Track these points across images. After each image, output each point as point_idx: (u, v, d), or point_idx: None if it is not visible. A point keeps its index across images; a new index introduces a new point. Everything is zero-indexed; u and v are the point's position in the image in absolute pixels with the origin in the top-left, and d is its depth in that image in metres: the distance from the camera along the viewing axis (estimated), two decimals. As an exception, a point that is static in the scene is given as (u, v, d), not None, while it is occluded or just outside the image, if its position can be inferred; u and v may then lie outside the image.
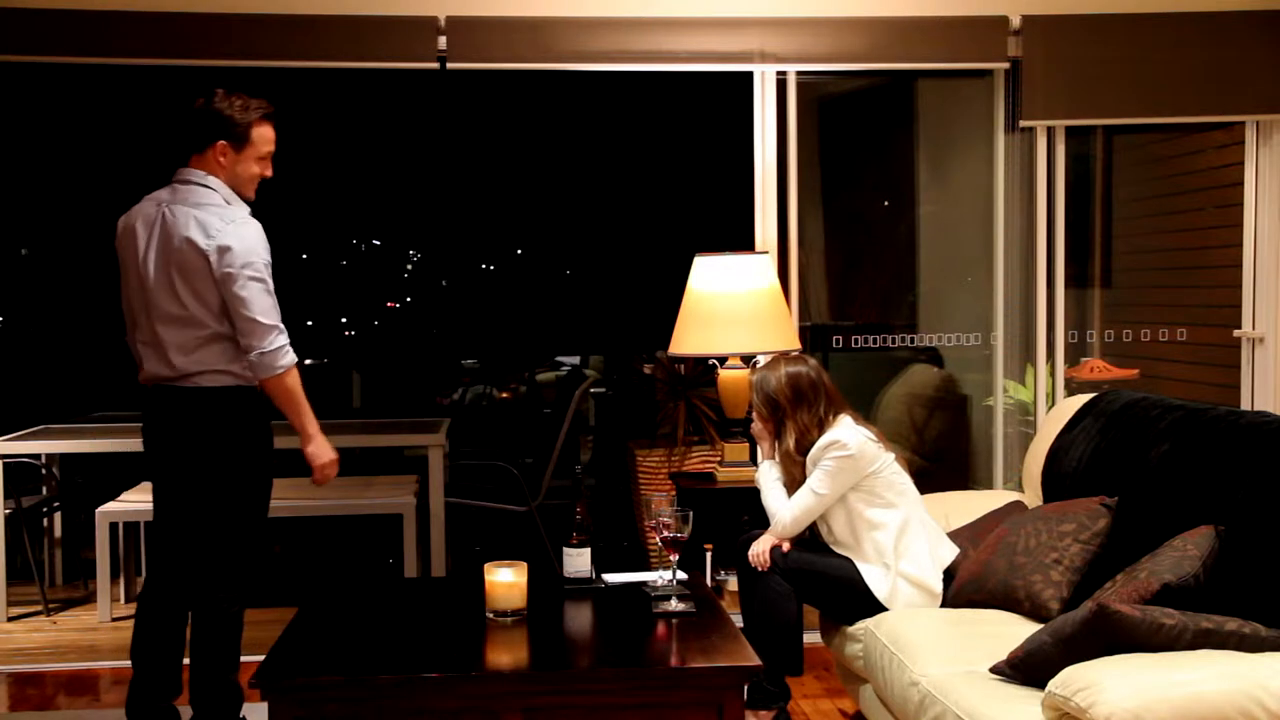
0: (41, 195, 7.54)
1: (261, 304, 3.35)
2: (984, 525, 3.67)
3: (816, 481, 3.51)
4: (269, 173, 3.52)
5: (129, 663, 4.54)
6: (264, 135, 3.46)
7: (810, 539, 3.65)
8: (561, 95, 7.55)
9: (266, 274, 3.38)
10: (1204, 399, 4.22)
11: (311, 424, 3.48)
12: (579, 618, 3.13)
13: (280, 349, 3.37)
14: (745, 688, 2.80)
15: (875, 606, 3.44)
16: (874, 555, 3.48)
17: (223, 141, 3.41)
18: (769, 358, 3.76)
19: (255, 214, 3.48)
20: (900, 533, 3.48)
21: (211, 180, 3.43)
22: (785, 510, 3.57)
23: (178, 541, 3.51)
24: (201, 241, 3.35)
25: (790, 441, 3.56)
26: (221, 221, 3.36)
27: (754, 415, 3.71)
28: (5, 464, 5.08)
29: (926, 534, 3.53)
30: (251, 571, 3.53)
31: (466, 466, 5.98)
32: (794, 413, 3.56)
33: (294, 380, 3.41)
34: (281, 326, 3.39)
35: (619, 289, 8.48)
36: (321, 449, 3.51)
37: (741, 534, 3.79)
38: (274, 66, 4.51)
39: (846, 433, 3.51)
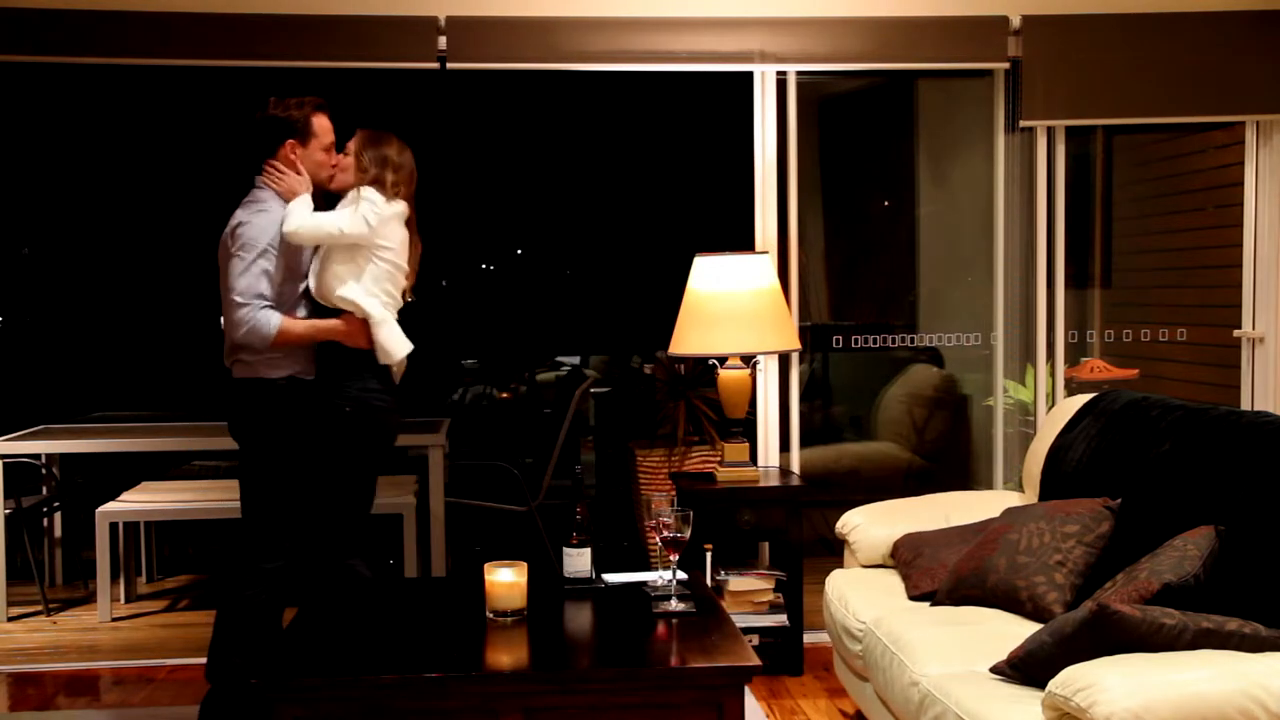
0: (42, 195, 7.54)
1: (236, 281, 3.45)
2: (981, 528, 3.67)
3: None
4: (335, 161, 3.67)
5: (129, 662, 4.58)
6: (323, 125, 3.65)
7: None
8: (562, 95, 7.55)
9: (254, 254, 3.45)
10: (1204, 399, 4.22)
11: (336, 329, 3.56)
12: (579, 618, 3.13)
13: (249, 325, 3.43)
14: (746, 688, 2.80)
15: None
16: None
17: (290, 140, 3.59)
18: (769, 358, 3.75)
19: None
20: None
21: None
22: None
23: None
24: (226, 232, 3.56)
25: None
26: (244, 212, 3.54)
27: None
28: (5, 464, 5.09)
29: None
30: (267, 563, 3.60)
31: (466, 466, 5.98)
32: None
33: (294, 334, 3.50)
34: (251, 300, 3.44)
35: (619, 289, 8.47)
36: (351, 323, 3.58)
37: (742, 534, 3.77)
38: (274, 66, 4.51)
39: None
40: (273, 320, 3.45)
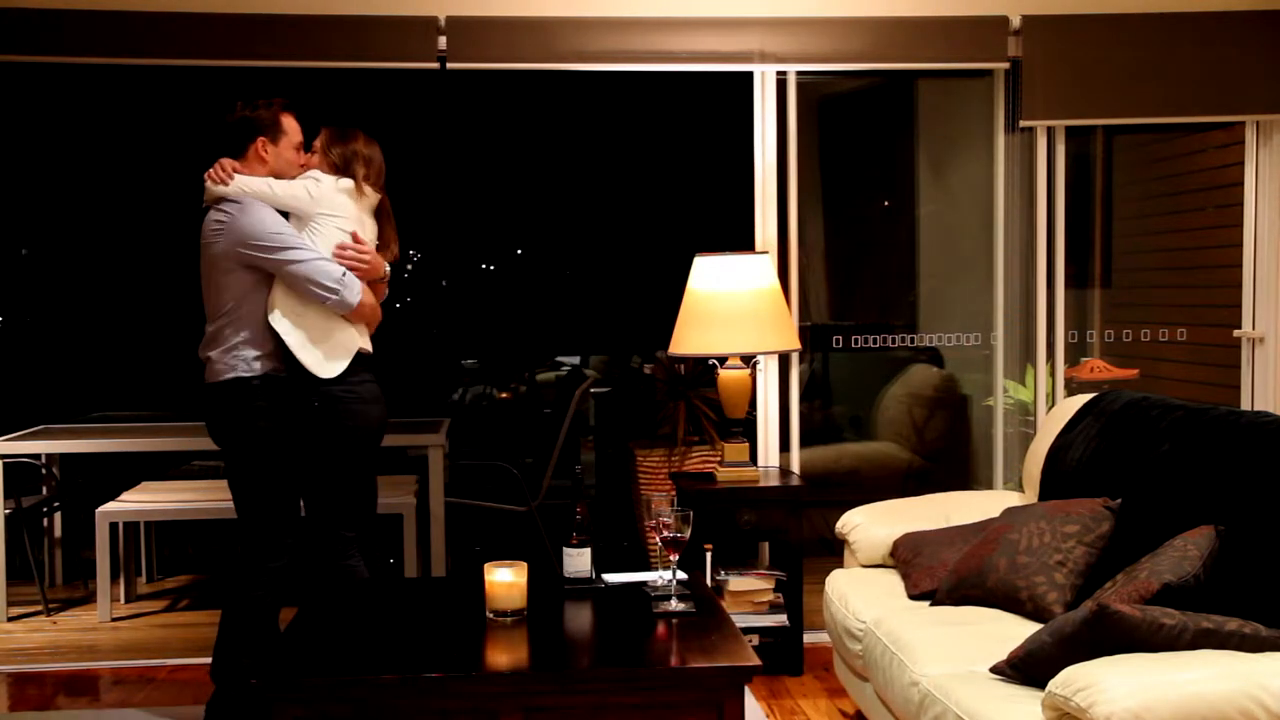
0: (41, 195, 7.54)
1: (320, 264, 3.59)
2: (981, 528, 3.67)
3: None
4: (304, 160, 3.70)
5: (129, 662, 4.58)
6: (292, 124, 3.69)
7: None
8: (562, 95, 7.55)
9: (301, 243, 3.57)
10: (1204, 399, 4.22)
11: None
12: (579, 618, 3.13)
13: (346, 290, 3.57)
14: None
15: None
16: None
17: (261, 138, 3.63)
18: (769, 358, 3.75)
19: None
20: None
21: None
22: None
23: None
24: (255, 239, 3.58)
25: None
26: (263, 214, 3.57)
27: None
28: (5, 464, 5.09)
29: None
30: (267, 560, 3.62)
31: (466, 466, 5.98)
32: None
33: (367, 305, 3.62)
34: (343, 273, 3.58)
35: (619, 289, 8.48)
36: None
37: (742, 534, 3.77)
38: (274, 66, 4.51)
39: None
40: (355, 286, 3.55)
